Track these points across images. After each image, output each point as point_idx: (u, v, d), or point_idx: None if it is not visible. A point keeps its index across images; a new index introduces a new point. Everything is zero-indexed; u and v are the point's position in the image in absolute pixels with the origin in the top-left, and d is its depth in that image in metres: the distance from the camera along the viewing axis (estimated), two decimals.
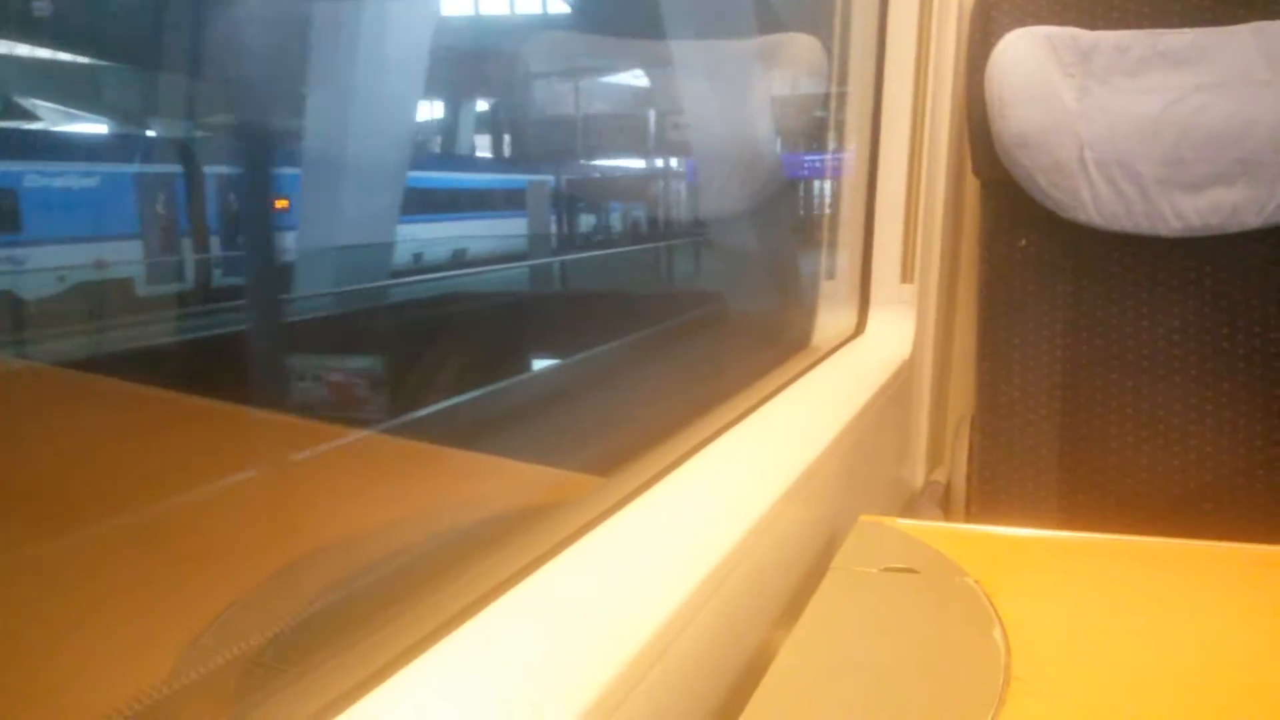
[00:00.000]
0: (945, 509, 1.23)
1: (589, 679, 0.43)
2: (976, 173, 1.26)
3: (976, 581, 0.63)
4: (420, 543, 0.54)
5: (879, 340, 1.24)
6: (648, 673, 0.47)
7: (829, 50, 1.37)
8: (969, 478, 1.24)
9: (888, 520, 0.75)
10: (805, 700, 0.50)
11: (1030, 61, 1.19)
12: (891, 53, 1.26)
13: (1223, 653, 0.55)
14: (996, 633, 0.56)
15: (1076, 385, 1.22)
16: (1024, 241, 1.24)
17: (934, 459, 1.37)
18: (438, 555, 0.53)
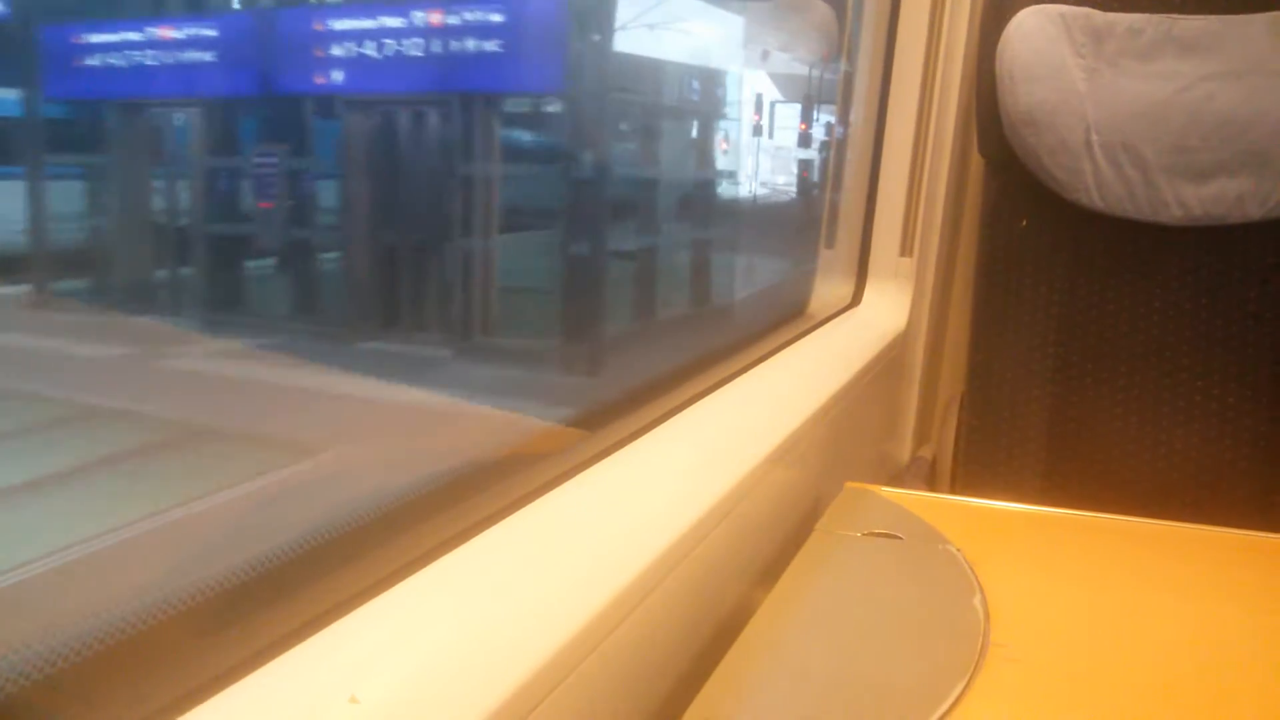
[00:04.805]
0: (930, 485, 1.23)
1: (557, 625, 0.42)
2: (982, 150, 1.25)
3: (959, 550, 0.62)
4: (386, 486, 0.53)
5: (874, 312, 1.24)
6: (621, 622, 0.47)
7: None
8: (956, 455, 1.23)
9: (873, 488, 0.75)
10: (780, 658, 0.50)
11: (1042, 39, 1.17)
12: (904, 25, 1.24)
13: (1197, 631, 0.55)
14: (977, 600, 0.55)
15: (1069, 368, 1.21)
16: (1025, 222, 1.23)
17: (922, 434, 1.36)
18: (411, 496, 0.53)
